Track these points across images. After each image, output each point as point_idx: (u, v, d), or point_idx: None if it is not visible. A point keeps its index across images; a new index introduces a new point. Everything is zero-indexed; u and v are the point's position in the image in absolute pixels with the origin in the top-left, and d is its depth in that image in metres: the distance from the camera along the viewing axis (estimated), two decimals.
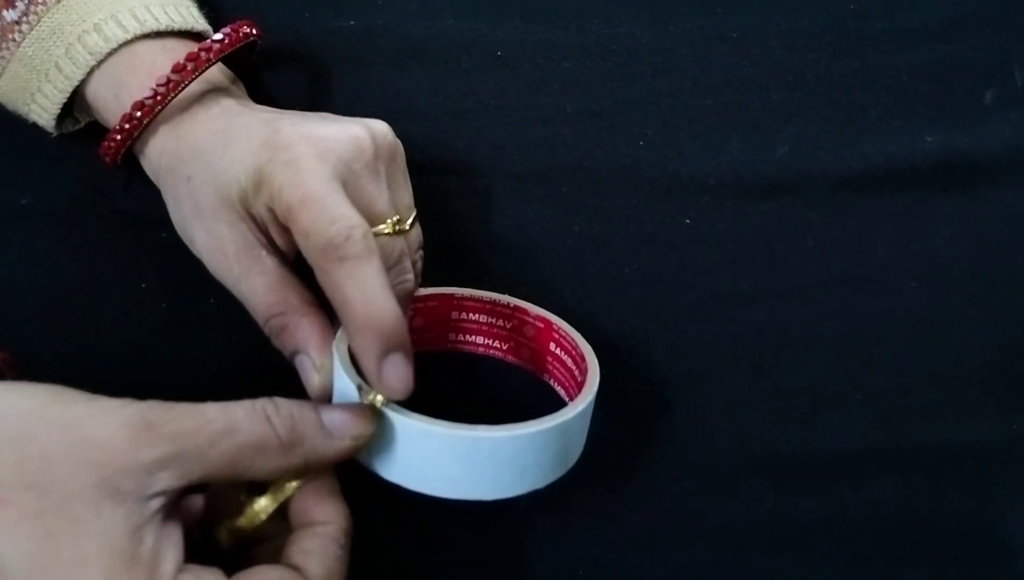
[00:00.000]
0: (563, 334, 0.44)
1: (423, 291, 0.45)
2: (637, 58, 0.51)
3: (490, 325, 0.46)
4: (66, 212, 0.47)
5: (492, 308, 0.46)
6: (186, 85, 0.41)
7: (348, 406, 0.36)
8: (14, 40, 0.43)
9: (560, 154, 0.49)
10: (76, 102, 0.44)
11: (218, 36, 0.43)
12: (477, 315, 0.46)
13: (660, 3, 0.52)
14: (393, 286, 0.38)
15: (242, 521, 0.36)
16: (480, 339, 0.47)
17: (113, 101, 0.42)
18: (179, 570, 0.32)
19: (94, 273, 0.46)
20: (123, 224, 0.46)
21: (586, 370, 0.42)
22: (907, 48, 0.52)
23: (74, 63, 0.42)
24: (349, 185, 0.38)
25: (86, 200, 0.47)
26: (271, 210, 0.38)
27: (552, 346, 0.45)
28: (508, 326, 0.46)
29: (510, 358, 0.47)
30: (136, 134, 0.42)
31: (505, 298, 0.45)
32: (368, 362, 0.35)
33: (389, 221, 0.40)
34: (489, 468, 0.36)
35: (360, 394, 0.36)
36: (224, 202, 0.39)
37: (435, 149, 0.49)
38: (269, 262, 0.39)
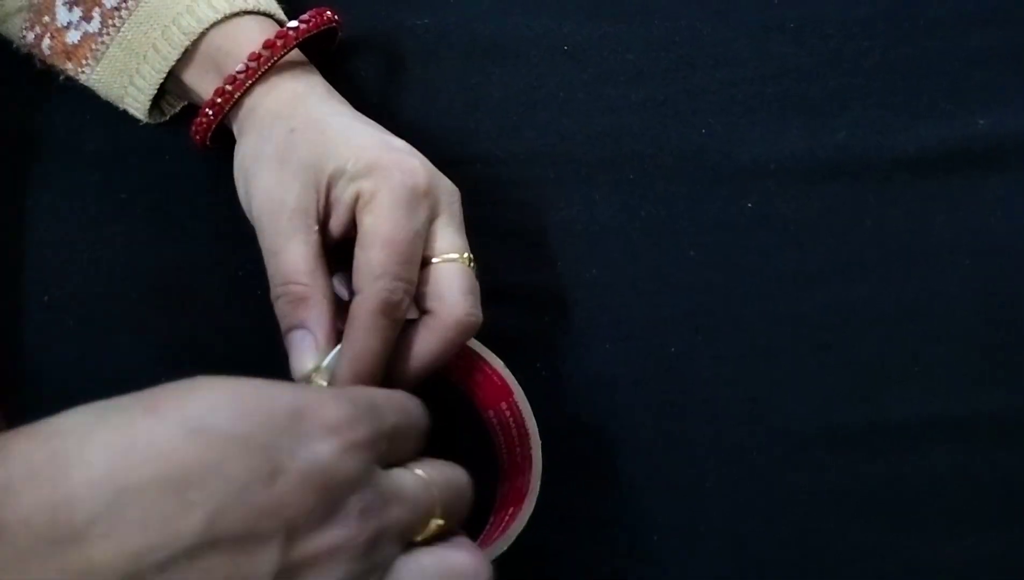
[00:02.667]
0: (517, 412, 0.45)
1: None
2: (698, 49, 0.53)
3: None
4: (163, 204, 0.50)
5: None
6: (276, 60, 0.44)
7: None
8: (114, 25, 0.45)
9: (626, 142, 0.52)
10: (168, 88, 0.47)
11: (304, 17, 0.46)
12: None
13: None
14: (467, 316, 0.41)
15: None
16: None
17: (214, 76, 0.45)
18: None
19: (193, 262, 0.49)
20: (219, 214, 0.49)
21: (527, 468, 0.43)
22: (960, 33, 0.53)
23: (170, 44, 0.45)
24: (441, 221, 0.42)
25: (182, 192, 0.50)
26: (356, 198, 0.41)
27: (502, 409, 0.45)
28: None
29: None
30: (227, 108, 0.45)
31: (533, 440, 0.44)
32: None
33: (465, 255, 0.42)
34: None
35: None
36: (314, 165, 0.41)
37: (506, 140, 0.52)
38: (315, 236, 0.41)
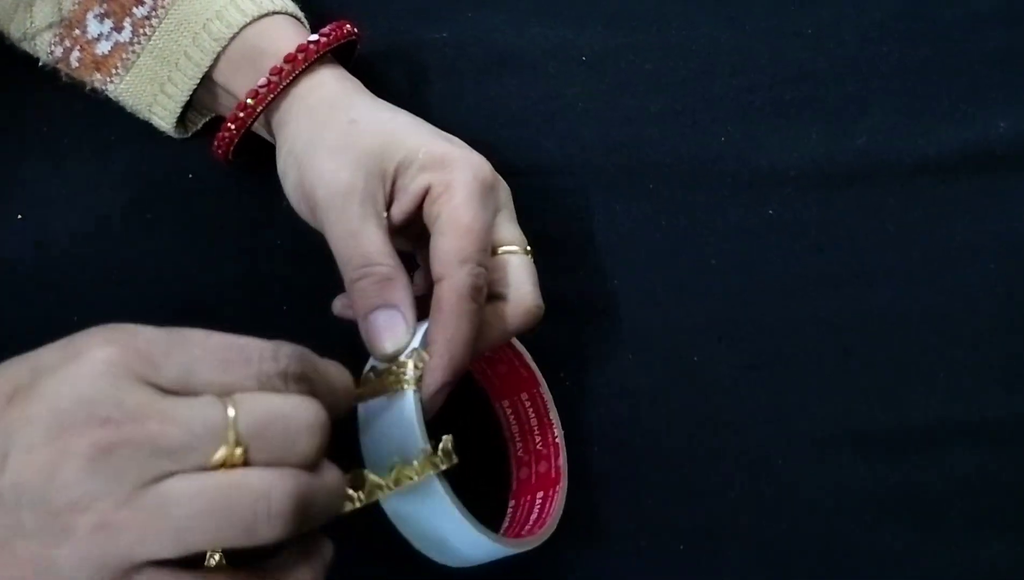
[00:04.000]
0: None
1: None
2: (716, 57, 0.53)
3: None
4: (190, 223, 0.50)
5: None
6: (298, 74, 0.45)
7: None
8: (145, 34, 0.46)
9: (645, 152, 0.52)
10: (197, 96, 0.47)
11: (325, 30, 0.46)
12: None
13: (736, 3, 0.54)
14: (537, 307, 0.43)
15: None
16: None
17: (248, 71, 0.45)
18: None
19: (222, 280, 0.49)
20: (245, 232, 0.50)
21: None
22: (978, 34, 0.53)
23: (202, 50, 0.45)
24: (502, 215, 0.43)
25: (208, 211, 0.50)
26: (427, 189, 0.42)
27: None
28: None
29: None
30: (250, 123, 0.45)
31: (556, 429, 0.47)
32: (436, 377, 0.39)
33: (528, 248, 0.43)
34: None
35: (420, 443, 0.37)
36: (380, 154, 0.42)
37: (526, 151, 0.52)
38: (385, 221, 0.42)
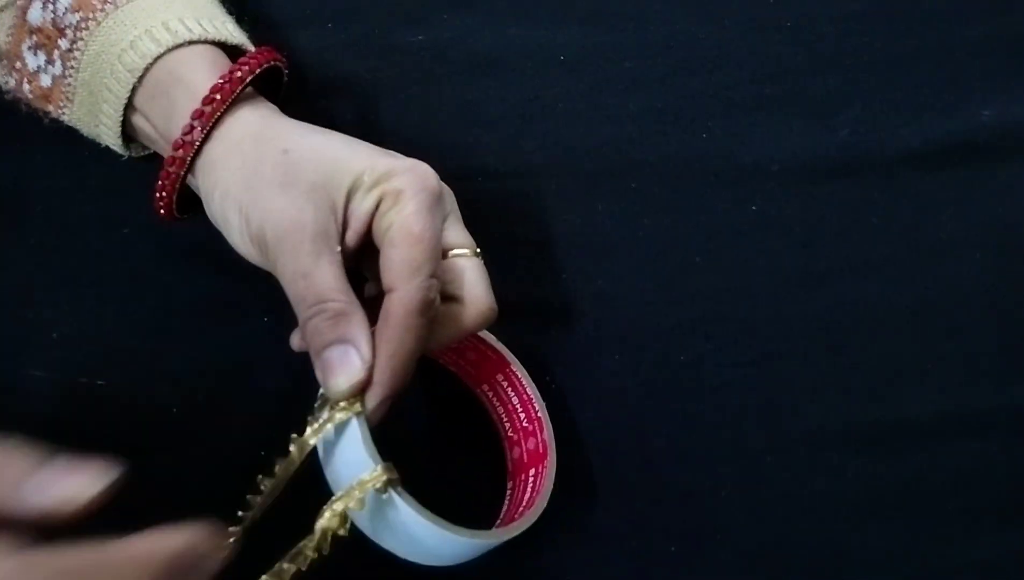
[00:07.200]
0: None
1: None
2: (695, 53, 0.53)
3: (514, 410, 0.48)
4: (167, 238, 0.50)
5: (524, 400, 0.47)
6: (220, 116, 0.42)
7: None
8: (73, 67, 0.45)
9: (626, 151, 0.51)
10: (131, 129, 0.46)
11: (243, 59, 0.44)
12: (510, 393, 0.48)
13: None
14: (491, 309, 0.42)
15: None
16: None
17: (163, 101, 0.43)
18: None
19: (199, 295, 0.49)
20: (222, 247, 0.49)
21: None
22: (959, 23, 0.53)
23: (118, 81, 0.44)
24: (449, 220, 0.43)
25: (184, 226, 0.50)
26: (377, 203, 0.40)
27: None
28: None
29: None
30: (184, 172, 0.43)
31: (536, 403, 0.47)
32: (377, 392, 0.39)
33: (477, 250, 0.43)
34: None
35: (372, 464, 0.37)
36: (326, 184, 0.40)
37: (506, 153, 0.52)
38: (339, 256, 0.40)
